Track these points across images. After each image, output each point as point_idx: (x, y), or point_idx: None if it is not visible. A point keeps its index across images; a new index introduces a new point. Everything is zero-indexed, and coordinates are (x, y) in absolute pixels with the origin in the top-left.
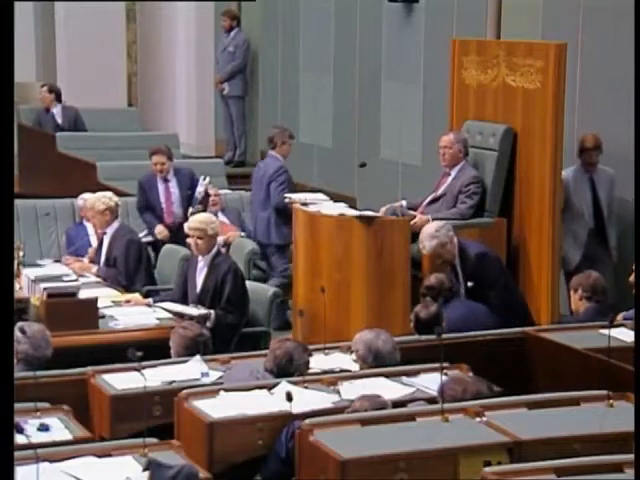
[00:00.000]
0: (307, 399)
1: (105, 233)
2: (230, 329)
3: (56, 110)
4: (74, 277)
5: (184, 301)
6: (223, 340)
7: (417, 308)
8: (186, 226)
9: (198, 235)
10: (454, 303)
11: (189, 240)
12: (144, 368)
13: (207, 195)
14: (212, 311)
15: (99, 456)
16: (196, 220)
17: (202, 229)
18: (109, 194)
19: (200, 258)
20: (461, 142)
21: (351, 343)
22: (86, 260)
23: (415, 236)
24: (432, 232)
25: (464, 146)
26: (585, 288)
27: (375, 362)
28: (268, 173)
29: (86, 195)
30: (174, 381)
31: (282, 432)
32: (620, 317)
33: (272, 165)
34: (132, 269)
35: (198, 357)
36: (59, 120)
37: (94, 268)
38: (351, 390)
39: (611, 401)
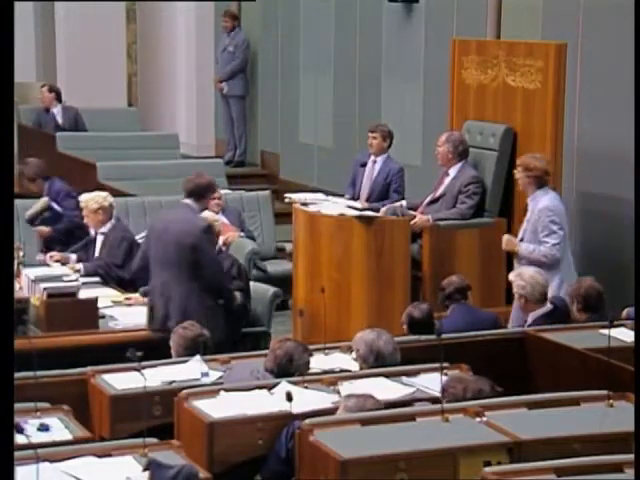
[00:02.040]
0: (307, 399)
1: (100, 233)
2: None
3: (56, 110)
4: (74, 277)
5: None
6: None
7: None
8: None
9: None
10: (459, 308)
11: None
12: (144, 368)
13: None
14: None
15: (99, 456)
16: None
17: None
18: (104, 194)
19: None
20: (451, 142)
21: (351, 342)
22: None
23: (415, 236)
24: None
25: (454, 147)
26: (579, 299)
27: (376, 362)
28: None
29: (84, 196)
30: (174, 381)
31: (282, 432)
32: (625, 313)
33: None
34: (119, 263)
35: (198, 357)
36: (60, 120)
37: (77, 265)
38: (351, 390)
39: (611, 401)
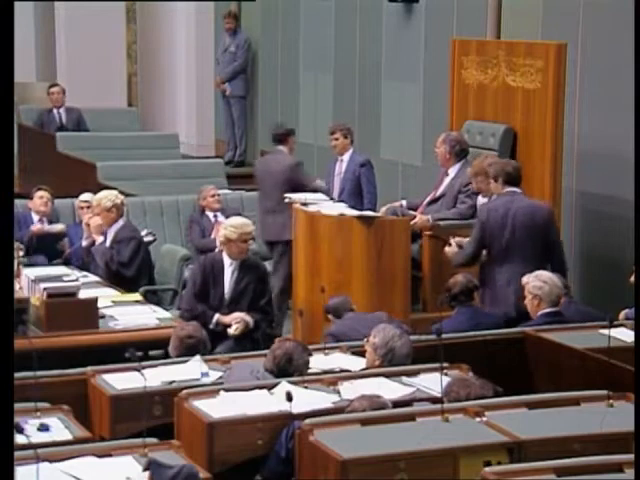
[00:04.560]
0: (307, 399)
1: (105, 233)
2: (270, 325)
3: (60, 110)
4: (74, 277)
5: (205, 299)
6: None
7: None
8: (237, 231)
9: (252, 237)
10: (464, 310)
11: (243, 245)
12: (144, 368)
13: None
14: (250, 318)
15: (99, 456)
16: (249, 224)
17: (254, 230)
18: (115, 192)
19: (229, 261)
20: (448, 143)
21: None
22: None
23: (415, 236)
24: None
25: (451, 147)
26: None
27: (384, 356)
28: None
29: (86, 195)
30: (174, 381)
31: (282, 432)
32: (622, 315)
33: None
34: (126, 261)
35: (198, 357)
36: (63, 120)
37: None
38: (351, 390)
39: (611, 401)
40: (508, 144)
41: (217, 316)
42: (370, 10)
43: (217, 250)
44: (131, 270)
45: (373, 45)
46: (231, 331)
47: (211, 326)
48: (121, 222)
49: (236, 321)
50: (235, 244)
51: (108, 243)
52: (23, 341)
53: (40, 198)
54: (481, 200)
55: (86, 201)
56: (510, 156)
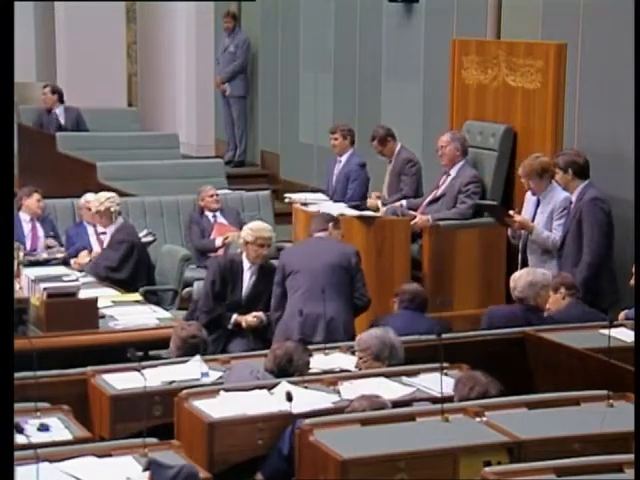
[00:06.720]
0: (307, 399)
1: (105, 233)
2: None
3: (59, 111)
4: (74, 277)
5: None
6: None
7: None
8: (254, 234)
9: (268, 244)
10: (403, 312)
11: (259, 250)
12: (144, 368)
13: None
14: (265, 317)
15: (99, 456)
16: (268, 230)
17: (272, 237)
18: (111, 194)
19: (248, 264)
20: (457, 141)
21: (356, 344)
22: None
23: (415, 236)
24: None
25: (461, 144)
26: (568, 286)
27: (390, 356)
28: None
29: (89, 195)
30: (174, 381)
31: (286, 430)
32: (622, 315)
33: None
34: (114, 265)
35: (198, 357)
36: (62, 120)
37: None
38: (351, 390)
39: (611, 401)
40: (508, 144)
41: (235, 316)
42: (370, 10)
43: (238, 251)
44: (122, 274)
45: (373, 45)
46: (248, 319)
47: (229, 327)
48: (116, 224)
49: (253, 316)
50: (252, 247)
51: (105, 245)
52: (23, 341)
53: (38, 201)
54: (558, 190)
55: (89, 201)
56: (510, 156)
